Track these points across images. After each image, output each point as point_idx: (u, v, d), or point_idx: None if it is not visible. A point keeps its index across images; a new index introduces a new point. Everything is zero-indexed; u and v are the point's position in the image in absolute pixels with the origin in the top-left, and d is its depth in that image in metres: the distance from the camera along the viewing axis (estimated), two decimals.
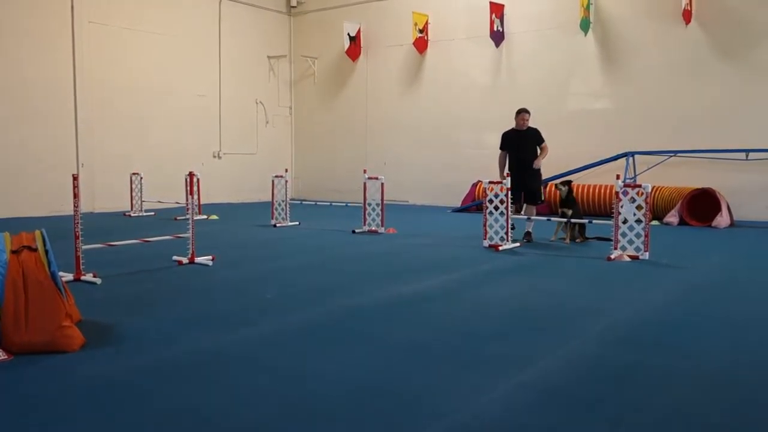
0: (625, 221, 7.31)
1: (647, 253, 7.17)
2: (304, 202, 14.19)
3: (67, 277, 5.60)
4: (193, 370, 3.45)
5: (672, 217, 11.09)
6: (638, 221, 7.23)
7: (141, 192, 12.45)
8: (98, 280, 5.70)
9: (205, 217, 11.81)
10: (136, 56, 13.89)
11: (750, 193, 11.49)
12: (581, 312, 4.78)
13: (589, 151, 12.48)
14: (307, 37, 17.24)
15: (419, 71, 15.42)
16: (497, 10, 13.83)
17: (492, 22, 13.78)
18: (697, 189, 11.10)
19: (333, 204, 13.52)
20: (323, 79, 17.10)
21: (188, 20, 14.96)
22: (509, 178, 8.02)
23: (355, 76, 16.47)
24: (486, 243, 8.12)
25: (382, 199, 9.71)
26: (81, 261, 5.79)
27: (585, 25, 12.75)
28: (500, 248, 7.87)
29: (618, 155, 12.12)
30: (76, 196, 5.82)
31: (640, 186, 7.25)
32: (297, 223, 10.82)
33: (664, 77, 12.35)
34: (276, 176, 10.77)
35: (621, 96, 12.87)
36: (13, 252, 3.75)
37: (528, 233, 8.75)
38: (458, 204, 14.00)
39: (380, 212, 9.69)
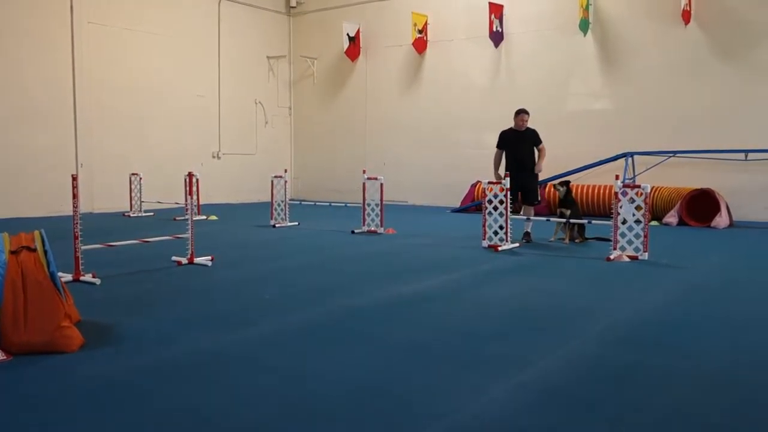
0: (624, 221, 7.31)
1: (646, 254, 7.17)
2: (303, 203, 14.19)
3: (67, 277, 5.60)
4: (192, 370, 3.44)
5: (671, 218, 11.09)
6: (637, 222, 7.23)
7: (140, 192, 12.44)
8: (97, 281, 5.69)
9: (204, 217, 11.81)
10: (135, 56, 13.88)
11: (749, 194, 11.49)
12: (581, 312, 4.77)
13: (589, 152, 12.48)
14: (307, 37, 17.25)
15: (418, 71, 15.43)
16: (496, 11, 13.83)
17: (491, 23, 13.79)
18: (697, 189, 11.10)
19: (332, 204, 13.52)
20: (322, 79, 17.10)
21: (187, 20, 14.96)
22: (509, 179, 8.01)
23: (355, 76, 16.47)
24: (485, 243, 8.12)
25: (382, 200, 9.71)
26: (80, 261, 5.78)
27: (584, 26, 12.75)
28: (499, 248, 7.87)
29: (617, 155, 12.13)
30: (75, 196, 5.82)
31: (639, 186, 7.25)
32: (296, 223, 10.82)
33: (663, 78, 12.36)
34: (275, 176, 10.77)
35: (620, 96, 12.88)
36: (12, 252, 3.74)
37: (527, 233, 8.75)
38: (457, 204, 14.00)
39: (379, 212, 9.69)
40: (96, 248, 6.38)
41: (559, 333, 4.18)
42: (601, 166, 12.32)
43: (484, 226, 8.16)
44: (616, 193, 7.34)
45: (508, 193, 7.95)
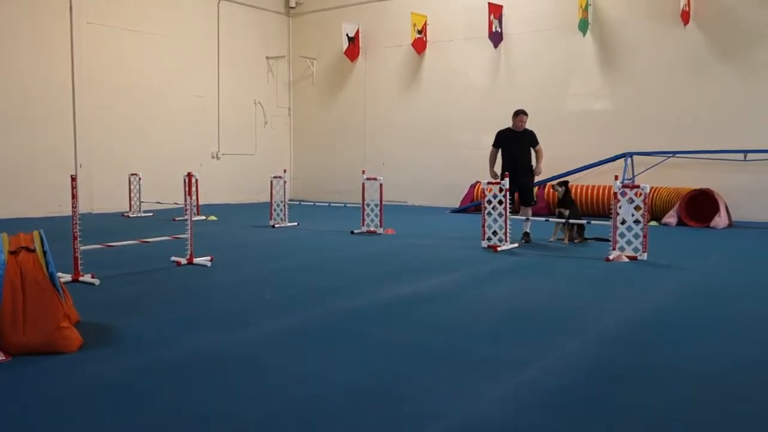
0: (623, 222, 7.31)
1: (645, 254, 7.17)
2: (302, 203, 14.19)
3: (66, 277, 5.59)
4: (192, 370, 3.44)
5: (670, 218, 11.10)
6: (636, 222, 7.23)
7: (139, 193, 12.43)
8: (97, 281, 5.69)
9: (203, 217, 11.80)
10: (134, 57, 13.87)
11: (748, 194, 11.50)
12: (580, 312, 4.78)
13: (588, 152, 12.49)
14: (306, 37, 17.25)
15: (418, 72, 15.43)
16: (496, 11, 13.84)
17: (490, 23, 13.79)
18: (696, 189, 11.11)
19: (331, 205, 13.51)
20: (322, 79, 17.10)
21: (187, 21, 14.95)
22: (508, 179, 8.02)
23: (354, 76, 16.47)
24: (485, 244, 8.12)
25: (381, 200, 9.71)
26: (79, 262, 5.78)
27: (583, 26, 12.76)
28: (499, 249, 7.87)
29: (616, 156, 12.13)
30: (74, 196, 5.81)
31: (638, 186, 7.25)
32: (296, 223, 10.81)
33: (662, 78, 12.37)
34: (274, 177, 10.76)
35: (619, 97, 12.89)
36: (12, 253, 3.74)
37: (526, 234, 8.75)
38: (457, 205, 14.00)
39: (379, 213, 9.69)
40: (95, 249, 6.37)
41: (558, 333, 4.18)
42: (600, 167, 12.32)
43: (483, 226, 8.17)
44: (615, 194, 7.34)
45: (507, 193, 7.96)
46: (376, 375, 3.38)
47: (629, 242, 7.28)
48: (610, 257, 7.19)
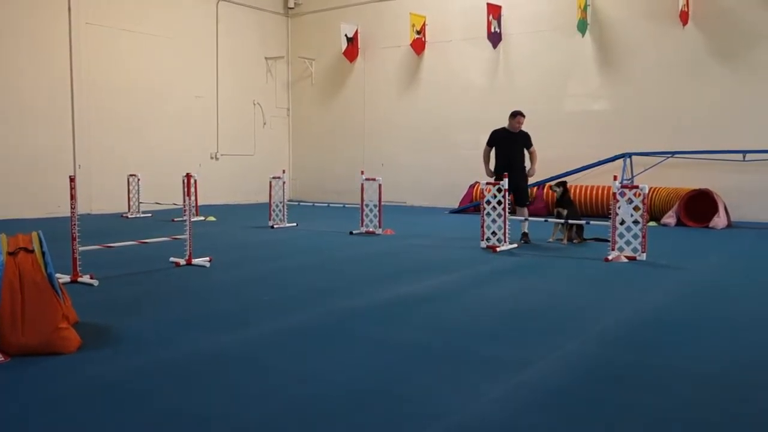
0: (622, 222, 7.31)
1: (644, 254, 7.17)
2: (301, 204, 14.18)
3: (64, 278, 5.59)
4: (192, 371, 3.43)
5: (669, 218, 11.10)
6: (635, 222, 7.23)
7: (138, 193, 12.41)
8: (95, 282, 5.68)
9: (202, 218, 11.79)
10: (133, 57, 13.86)
11: (747, 194, 11.51)
12: (580, 312, 4.77)
13: (587, 152, 12.49)
14: (305, 38, 17.24)
15: (417, 72, 15.43)
16: (494, 12, 13.84)
17: (489, 24, 13.80)
18: (695, 190, 11.12)
19: (330, 205, 13.50)
20: (321, 80, 17.09)
21: (185, 21, 14.94)
22: (507, 179, 8.01)
23: (353, 77, 16.47)
24: (484, 244, 8.12)
25: (380, 201, 9.70)
26: (78, 262, 5.77)
27: (582, 27, 12.77)
28: (498, 249, 7.87)
29: (615, 156, 12.13)
30: (73, 197, 5.80)
31: (637, 187, 7.26)
32: (295, 224, 10.80)
33: (661, 78, 12.38)
34: (273, 177, 10.75)
35: (618, 97, 12.89)
36: (10, 254, 3.73)
37: (525, 234, 8.75)
38: (456, 205, 14.00)
39: (378, 213, 9.69)
40: (94, 249, 6.36)
41: (558, 333, 4.17)
42: (599, 167, 12.32)
43: (482, 226, 8.16)
44: (614, 194, 7.34)
45: (506, 194, 7.96)
46: (375, 375, 3.37)
47: (628, 242, 7.28)
48: (609, 257, 7.19)
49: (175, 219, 11.39)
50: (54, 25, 12.54)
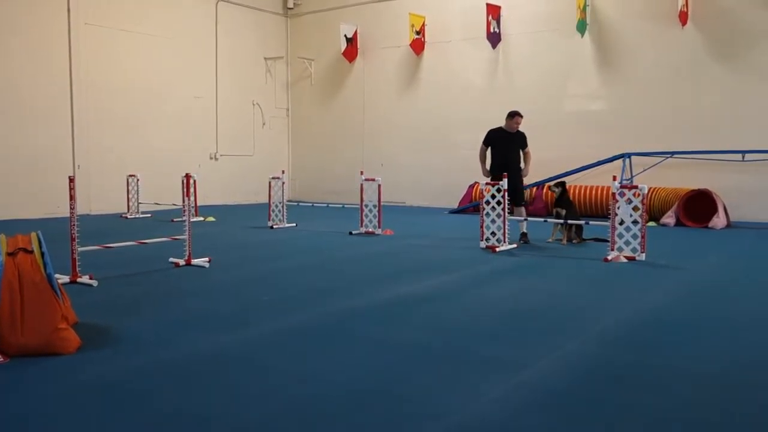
0: (621, 222, 7.31)
1: (644, 254, 7.17)
2: (300, 204, 14.18)
3: (64, 279, 5.58)
4: (191, 371, 3.43)
5: (669, 218, 11.10)
6: (635, 222, 7.23)
7: (138, 194, 12.41)
8: (95, 282, 5.67)
9: (201, 218, 11.78)
10: (132, 58, 13.85)
11: (746, 194, 11.51)
12: (580, 312, 4.77)
13: (586, 153, 12.48)
14: (304, 38, 17.24)
15: (416, 73, 15.43)
16: (494, 12, 13.84)
17: (489, 24, 13.80)
18: (694, 190, 11.12)
19: (330, 205, 13.50)
20: (320, 80, 17.09)
21: (185, 22, 14.93)
22: (506, 180, 8.01)
23: (352, 77, 16.47)
24: (483, 244, 8.12)
25: (379, 201, 9.70)
26: (77, 263, 5.76)
27: (581, 27, 12.77)
28: (497, 249, 7.87)
29: (615, 156, 12.14)
30: (72, 197, 5.80)
31: (636, 187, 7.26)
32: (294, 224, 10.80)
33: (660, 79, 12.39)
34: (273, 178, 10.75)
35: (618, 97, 12.90)
36: (9, 254, 3.73)
37: (524, 234, 8.75)
38: (455, 205, 13.99)
39: (377, 213, 9.68)
40: (93, 250, 6.36)
41: (558, 333, 4.17)
42: (598, 167, 12.32)
43: (481, 227, 8.16)
44: (613, 194, 7.34)
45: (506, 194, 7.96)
46: (375, 375, 3.37)
47: (627, 243, 7.28)
48: (609, 258, 7.19)
49: (175, 219, 11.38)
50: (53, 25, 12.53)
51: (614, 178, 7.67)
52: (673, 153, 11.83)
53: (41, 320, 3.64)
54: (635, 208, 7.21)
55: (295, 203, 14.12)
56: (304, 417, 2.82)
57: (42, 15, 12.36)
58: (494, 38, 13.96)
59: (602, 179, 12.16)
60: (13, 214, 11.68)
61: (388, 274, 6.40)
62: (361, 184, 9.91)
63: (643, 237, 7.18)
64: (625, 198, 7.26)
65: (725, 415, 2.87)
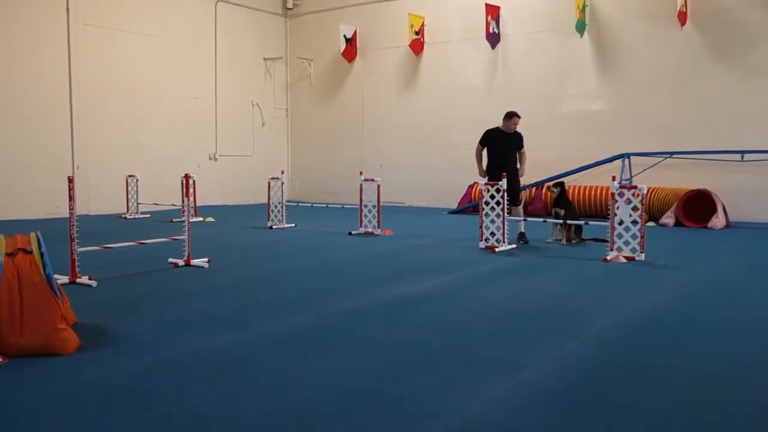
0: (621, 222, 7.31)
1: (643, 254, 7.17)
2: (300, 204, 14.18)
3: (63, 279, 5.57)
4: (191, 371, 3.43)
5: (668, 219, 11.11)
6: (634, 222, 7.24)
7: (137, 194, 12.40)
8: (94, 283, 5.67)
9: (201, 219, 11.78)
10: (131, 58, 13.85)
11: (745, 194, 11.52)
12: (580, 312, 4.77)
13: (586, 153, 12.49)
14: (304, 38, 17.24)
15: (415, 73, 15.43)
16: (493, 12, 13.85)
17: (488, 24, 13.81)
18: (693, 190, 11.12)
19: (329, 206, 13.50)
20: (319, 80, 17.09)
21: (184, 22, 14.93)
22: (505, 180, 8.01)
23: (352, 77, 16.47)
24: (482, 244, 8.12)
25: (379, 201, 9.70)
26: (76, 263, 5.76)
27: (581, 27, 12.78)
28: (497, 250, 7.87)
29: (614, 157, 12.14)
30: (71, 198, 5.79)
31: (636, 187, 7.26)
32: (293, 225, 10.79)
33: (659, 79, 12.39)
34: (272, 178, 10.75)
35: (617, 97, 12.90)
36: (9, 255, 3.72)
37: (522, 234, 8.74)
38: (455, 205, 14.00)
39: (377, 214, 9.68)
40: (92, 250, 6.35)
41: (558, 333, 4.17)
42: (598, 167, 12.33)
43: (481, 227, 8.16)
44: (613, 194, 7.34)
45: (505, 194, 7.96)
46: (375, 375, 3.37)
47: (627, 243, 7.28)
48: (608, 258, 7.19)
49: (174, 220, 11.38)
50: (52, 25, 12.53)
51: (613, 178, 7.67)
52: (672, 153, 11.84)
53: (40, 321, 3.63)
54: (634, 209, 7.21)
55: (295, 203, 14.12)
56: (304, 417, 2.82)
57: (41, 15, 12.35)
58: (493, 38, 13.96)
59: (601, 179, 12.17)
60: (12, 214, 11.68)
61: (387, 274, 6.40)
62: (361, 185, 9.90)
63: (642, 237, 7.18)
64: (625, 198, 7.26)
65: (725, 415, 2.87)
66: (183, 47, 14.87)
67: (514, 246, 8.21)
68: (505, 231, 8.02)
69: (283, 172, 11.17)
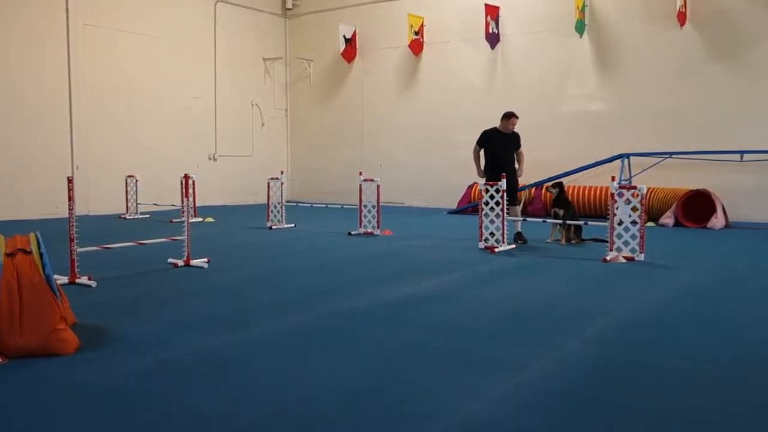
0: (620, 223, 7.31)
1: (643, 255, 7.18)
2: (299, 205, 14.17)
3: (62, 279, 5.57)
4: (191, 372, 3.43)
5: (667, 219, 11.11)
6: (634, 223, 7.24)
7: (136, 194, 12.39)
8: (93, 283, 5.66)
9: (200, 219, 11.77)
10: (131, 58, 13.84)
11: (745, 194, 11.53)
12: (580, 312, 4.77)
13: (585, 153, 12.50)
14: (303, 39, 17.24)
15: (415, 73, 15.43)
16: (492, 12, 13.85)
17: (487, 24, 13.81)
18: (692, 190, 11.13)
19: (329, 206, 13.49)
20: (319, 81, 17.09)
21: (184, 22, 14.92)
22: (504, 180, 8.01)
23: (351, 78, 16.47)
24: (482, 245, 8.12)
25: (378, 201, 9.70)
26: (76, 264, 5.75)
27: (580, 27, 12.78)
28: (496, 250, 7.87)
29: (613, 157, 12.15)
30: (71, 198, 5.79)
31: (635, 187, 7.26)
32: (293, 225, 10.79)
33: (659, 79, 12.40)
34: (272, 178, 10.74)
35: (616, 98, 12.91)
36: (8, 255, 3.72)
37: (519, 233, 8.74)
38: (454, 206, 14.00)
39: (376, 214, 9.68)
40: (92, 250, 6.35)
41: (558, 333, 4.17)
42: (597, 168, 12.33)
43: (480, 227, 8.16)
44: (612, 194, 7.35)
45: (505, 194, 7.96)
46: (375, 375, 3.37)
47: (626, 243, 7.28)
48: (608, 258, 7.19)
49: (174, 220, 11.37)
50: (52, 25, 12.52)
51: (613, 179, 7.68)
52: (671, 153, 11.84)
53: (40, 321, 3.63)
54: (634, 209, 7.21)
55: (294, 204, 14.12)
56: (304, 417, 2.82)
57: (40, 15, 12.34)
58: (493, 39, 13.96)
59: (601, 179, 12.17)
60: (11, 214, 11.67)
61: (387, 274, 6.40)
62: (360, 185, 9.90)
63: (641, 237, 7.18)
64: (624, 198, 7.26)
65: (725, 415, 2.87)
66: (182, 47, 14.87)
67: (513, 246, 8.21)
68: (505, 231, 8.02)
69: (282, 173, 11.17)
